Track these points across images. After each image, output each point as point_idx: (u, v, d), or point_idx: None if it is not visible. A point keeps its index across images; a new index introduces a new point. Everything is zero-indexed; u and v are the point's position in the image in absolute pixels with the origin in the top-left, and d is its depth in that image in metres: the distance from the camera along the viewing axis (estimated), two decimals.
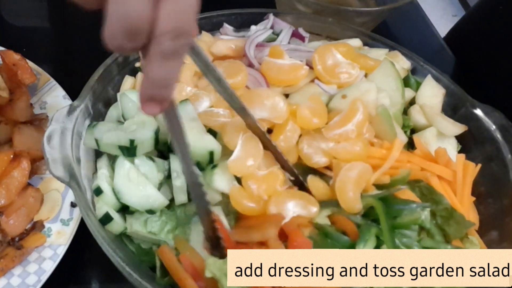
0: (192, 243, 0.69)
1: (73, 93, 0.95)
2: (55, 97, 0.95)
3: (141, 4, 0.41)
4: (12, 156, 0.81)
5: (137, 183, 0.70)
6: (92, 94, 0.78)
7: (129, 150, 0.71)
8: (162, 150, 0.76)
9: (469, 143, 0.85)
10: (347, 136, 0.73)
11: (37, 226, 0.79)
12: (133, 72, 0.88)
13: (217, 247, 0.66)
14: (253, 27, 0.97)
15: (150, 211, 0.71)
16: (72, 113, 0.74)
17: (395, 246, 0.66)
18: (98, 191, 0.71)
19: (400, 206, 0.70)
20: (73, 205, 0.81)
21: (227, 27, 0.98)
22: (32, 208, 0.80)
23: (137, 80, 0.86)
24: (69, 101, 0.93)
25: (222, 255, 0.64)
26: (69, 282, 0.79)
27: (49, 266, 0.74)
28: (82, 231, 0.78)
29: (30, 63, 0.95)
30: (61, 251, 0.76)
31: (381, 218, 0.67)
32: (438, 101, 0.89)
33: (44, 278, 0.73)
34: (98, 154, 0.77)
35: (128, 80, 0.86)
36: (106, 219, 0.69)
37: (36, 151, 0.85)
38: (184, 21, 0.44)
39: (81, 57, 1.09)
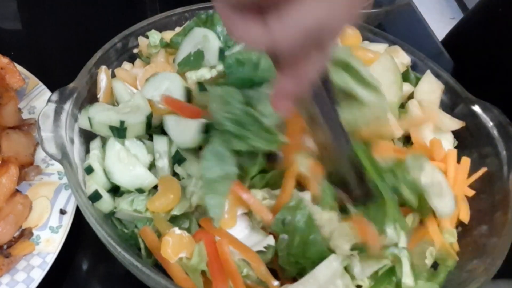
0: None
1: None
2: (44, 101, 0.92)
3: None
4: None
5: (127, 163, 0.73)
6: (90, 77, 0.80)
7: (119, 131, 0.73)
8: (153, 133, 0.77)
9: (466, 139, 0.86)
10: None
11: (25, 234, 0.77)
12: (131, 59, 0.89)
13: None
14: None
15: (140, 190, 0.72)
16: (68, 94, 0.76)
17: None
18: (89, 170, 0.73)
19: None
20: (62, 212, 0.80)
21: None
22: (20, 215, 0.78)
23: (135, 66, 0.88)
24: None
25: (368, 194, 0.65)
26: None
27: (38, 275, 0.73)
28: (72, 239, 0.78)
29: (19, 67, 0.94)
30: (50, 259, 0.74)
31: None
32: (436, 96, 0.89)
33: (33, 287, 0.72)
34: (92, 137, 0.78)
35: (125, 66, 0.87)
36: (95, 197, 0.71)
37: (25, 157, 0.84)
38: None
39: (71, 61, 1.07)
